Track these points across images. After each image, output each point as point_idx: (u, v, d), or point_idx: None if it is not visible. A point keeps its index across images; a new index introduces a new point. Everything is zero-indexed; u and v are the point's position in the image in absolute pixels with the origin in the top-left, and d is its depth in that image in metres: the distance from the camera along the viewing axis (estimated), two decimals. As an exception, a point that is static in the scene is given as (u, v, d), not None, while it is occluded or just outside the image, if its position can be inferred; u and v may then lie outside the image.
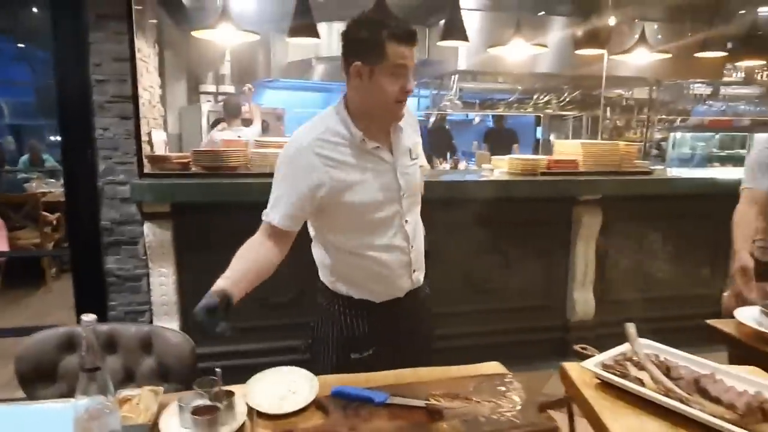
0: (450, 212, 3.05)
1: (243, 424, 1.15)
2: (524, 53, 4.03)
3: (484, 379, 1.35)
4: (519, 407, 1.22)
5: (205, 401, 1.12)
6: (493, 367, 1.47)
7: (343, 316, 1.62)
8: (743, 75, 8.00)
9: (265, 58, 6.56)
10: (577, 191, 3.30)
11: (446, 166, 5.75)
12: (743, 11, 4.72)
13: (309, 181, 1.45)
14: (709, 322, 1.86)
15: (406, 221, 1.57)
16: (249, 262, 1.42)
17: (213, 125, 5.71)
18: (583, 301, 3.47)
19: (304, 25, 3.95)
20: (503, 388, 1.30)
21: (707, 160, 7.73)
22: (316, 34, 4.04)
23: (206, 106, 5.84)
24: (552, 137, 7.85)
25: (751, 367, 1.59)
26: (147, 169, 2.83)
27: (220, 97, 6.44)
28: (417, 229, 1.64)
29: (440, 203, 2.93)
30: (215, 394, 1.13)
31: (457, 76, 5.54)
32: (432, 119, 6.50)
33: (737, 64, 4.32)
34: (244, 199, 2.77)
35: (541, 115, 7.79)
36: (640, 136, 7.69)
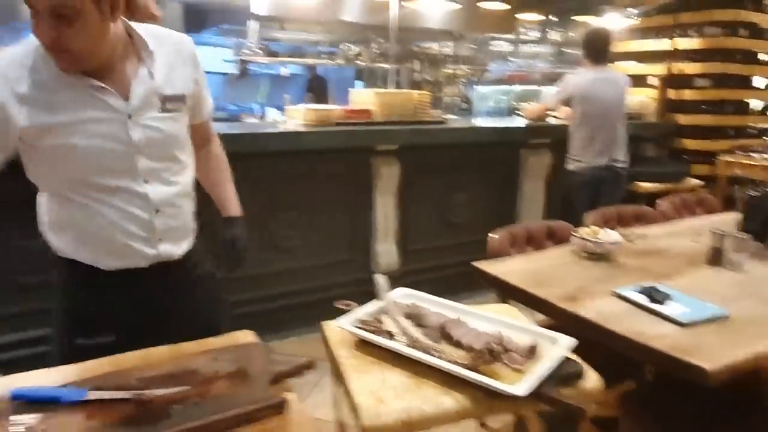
0: (240, 167, 2.81)
1: None
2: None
3: (219, 353, 1.17)
4: (249, 381, 1.08)
5: None
6: (242, 336, 1.31)
7: (66, 286, 1.37)
8: (539, 34, 8.77)
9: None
10: (373, 141, 3.25)
11: (253, 120, 5.42)
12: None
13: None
14: (475, 264, 1.90)
15: (146, 181, 1.31)
16: None
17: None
18: (386, 252, 3.49)
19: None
20: (240, 362, 1.14)
21: (508, 113, 8.37)
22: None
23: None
24: (365, 89, 7.87)
25: (504, 305, 1.64)
26: None
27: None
28: (175, 193, 1.37)
29: (230, 157, 2.69)
30: None
31: (257, 22, 5.18)
32: (232, 69, 6.00)
33: (520, 16, 4.60)
34: None
35: (361, 69, 7.75)
36: (451, 90, 8.04)
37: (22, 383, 1.04)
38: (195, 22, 5.76)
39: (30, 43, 1.20)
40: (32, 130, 1.20)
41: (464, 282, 3.50)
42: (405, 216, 3.54)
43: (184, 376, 1.08)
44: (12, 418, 0.95)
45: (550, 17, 6.45)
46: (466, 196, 3.76)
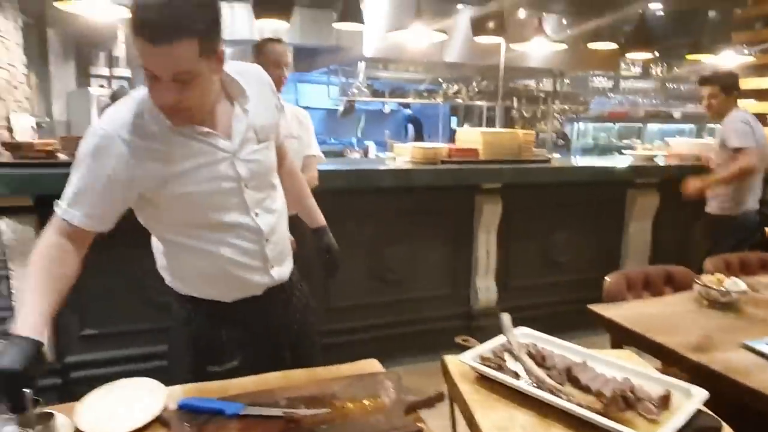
0: (350, 202, 2.96)
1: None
2: (425, 39, 4.01)
3: (354, 380, 1.25)
4: (386, 409, 1.14)
5: (12, 428, 0.96)
6: (368, 365, 1.38)
7: (189, 319, 1.44)
8: (640, 70, 8.48)
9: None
10: (477, 179, 3.30)
11: (356, 155, 5.66)
12: (634, 6, 4.97)
13: (118, 175, 1.21)
14: (590, 306, 1.87)
15: (256, 213, 1.38)
16: (57, 280, 1.15)
17: (103, 112, 5.28)
18: (486, 288, 3.49)
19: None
20: (374, 389, 1.22)
21: (608, 150, 8.13)
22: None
23: (96, 90, 5.38)
24: (466, 126, 7.95)
25: (626, 351, 1.61)
26: (5, 158, 2.51)
27: (114, 82, 5.97)
28: (276, 219, 1.45)
29: (340, 193, 2.85)
30: (26, 418, 0.96)
31: (364, 63, 5.45)
32: (341, 107, 6.36)
33: (627, 55, 4.51)
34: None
35: (455, 106, 7.87)
36: (548, 126, 7.96)
37: (181, 395, 1.16)
38: (306, 61, 6.15)
39: (135, 100, 1.25)
40: (152, 184, 1.25)
41: (564, 322, 3.44)
42: (506, 253, 3.54)
43: (324, 398, 1.17)
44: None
45: (658, 55, 6.25)
46: (568, 235, 3.70)
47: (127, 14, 1.09)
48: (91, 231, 1.23)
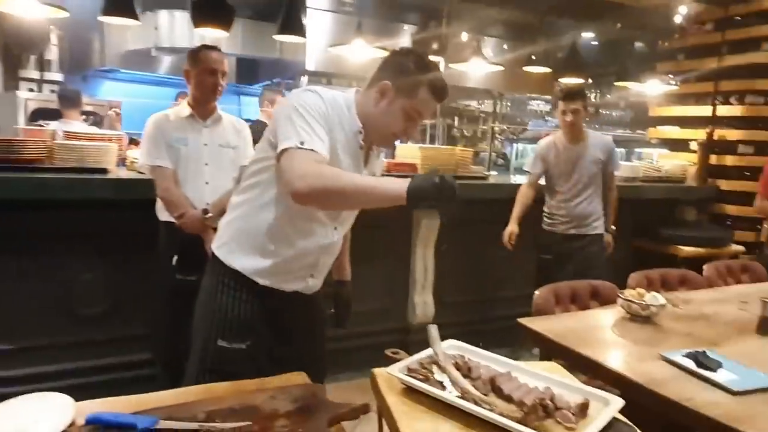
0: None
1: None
2: (365, 55, 4.05)
3: (278, 393, 1.22)
4: (308, 421, 1.12)
5: None
6: (295, 378, 1.36)
7: (227, 294, 1.54)
8: (575, 95, 8.87)
9: (100, 45, 5.92)
10: (415, 194, 3.33)
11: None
12: (569, 35, 5.23)
13: (331, 131, 1.43)
14: (520, 320, 1.92)
15: (335, 229, 1.61)
16: None
17: (32, 117, 5.03)
18: (423, 303, 3.52)
19: (118, 3, 3.56)
20: (297, 401, 1.19)
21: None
22: (133, 16, 3.66)
23: (24, 93, 5.11)
24: (409, 143, 8.04)
25: (551, 363, 1.65)
26: None
27: (45, 86, 5.69)
28: (338, 244, 1.68)
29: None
30: None
31: (306, 77, 5.45)
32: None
33: (561, 79, 4.73)
34: (43, 196, 2.43)
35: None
36: (488, 146, 8.18)
37: (95, 409, 1.10)
38: (248, 74, 6.07)
39: (344, 98, 1.51)
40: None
41: (499, 336, 3.50)
42: (442, 268, 3.58)
43: (245, 411, 1.13)
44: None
45: (591, 81, 6.58)
46: (503, 251, 3.78)
47: (426, 71, 1.48)
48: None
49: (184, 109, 2.42)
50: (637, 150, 8.91)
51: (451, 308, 3.66)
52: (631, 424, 1.23)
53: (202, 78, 2.38)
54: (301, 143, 1.35)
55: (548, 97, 8.68)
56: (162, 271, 2.37)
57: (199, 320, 1.59)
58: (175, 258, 2.31)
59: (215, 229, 1.68)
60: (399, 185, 1.27)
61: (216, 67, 2.39)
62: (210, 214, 2.28)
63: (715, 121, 4.70)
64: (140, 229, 2.46)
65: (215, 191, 2.37)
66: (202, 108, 2.42)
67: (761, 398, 1.41)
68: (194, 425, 1.06)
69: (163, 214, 2.38)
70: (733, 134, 4.62)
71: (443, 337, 1.59)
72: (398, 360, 1.45)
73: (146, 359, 2.70)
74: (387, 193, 1.31)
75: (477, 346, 1.53)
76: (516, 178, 4.53)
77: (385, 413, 1.32)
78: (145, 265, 2.46)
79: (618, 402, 1.24)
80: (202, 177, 2.37)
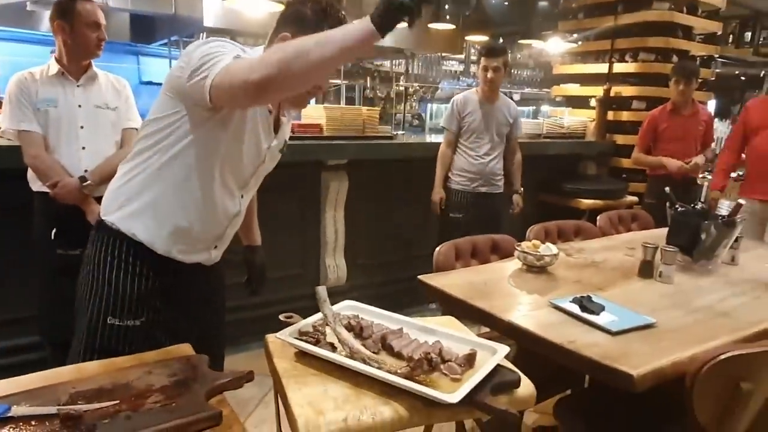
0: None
1: None
2: (264, 9, 3.85)
3: (154, 367, 1.15)
4: (184, 394, 1.06)
5: None
6: (179, 350, 1.28)
7: (117, 266, 1.39)
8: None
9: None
10: (322, 155, 3.26)
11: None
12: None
13: None
14: (420, 277, 1.92)
15: (242, 197, 1.52)
16: None
17: None
18: (335, 266, 3.49)
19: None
20: (175, 375, 1.12)
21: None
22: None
23: None
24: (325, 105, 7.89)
25: (448, 318, 1.67)
26: None
27: None
28: (243, 213, 1.58)
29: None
30: None
31: (204, 34, 5.13)
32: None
33: (467, 37, 4.75)
34: None
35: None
36: (403, 107, 8.18)
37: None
38: (144, 32, 5.64)
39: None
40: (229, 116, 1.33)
41: (412, 296, 3.55)
42: (354, 230, 3.56)
43: (115, 390, 1.06)
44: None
45: (501, 41, 6.68)
46: (414, 211, 3.81)
47: (326, 29, 1.18)
48: None
49: (52, 66, 2.19)
50: (543, 108, 9.25)
51: (363, 270, 3.66)
52: (516, 369, 1.27)
53: (83, 32, 2.15)
54: (236, 57, 1.21)
55: (460, 56, 8.77)
56: (41, 247, 2.18)
57: (83, 297, 1.44)
58: (54, 231, 2.13)
59: (98, 199, 1.53)
60: (360, 20, 1.07)
61: (98, 20, 2.18)
62: (89, 182, 2.11)
63: (611, 78, 4.91)
64: (13, 202, 2.25)
65: (94, 157, 2.18)
66: (75, 65, 2.20)
67: (635, 336, 1.50)
68: (53, 409, 0.97)
69: (35, 184, 2.17)
70: (627, 90, 4.84)
71: (356, 299, 1.59)
72: (291, 324, 1.42)
73: (34, 342, 2.52)
74: (352, 31, 1.08)
75: (390, 307, 1.53)
76: (431, 138, 4.55)
77: (276, 380, 1.28)
78: (23, 241, 2.25)
79: (503, 350, 1.27)
80: (77, 141, 2.17)
